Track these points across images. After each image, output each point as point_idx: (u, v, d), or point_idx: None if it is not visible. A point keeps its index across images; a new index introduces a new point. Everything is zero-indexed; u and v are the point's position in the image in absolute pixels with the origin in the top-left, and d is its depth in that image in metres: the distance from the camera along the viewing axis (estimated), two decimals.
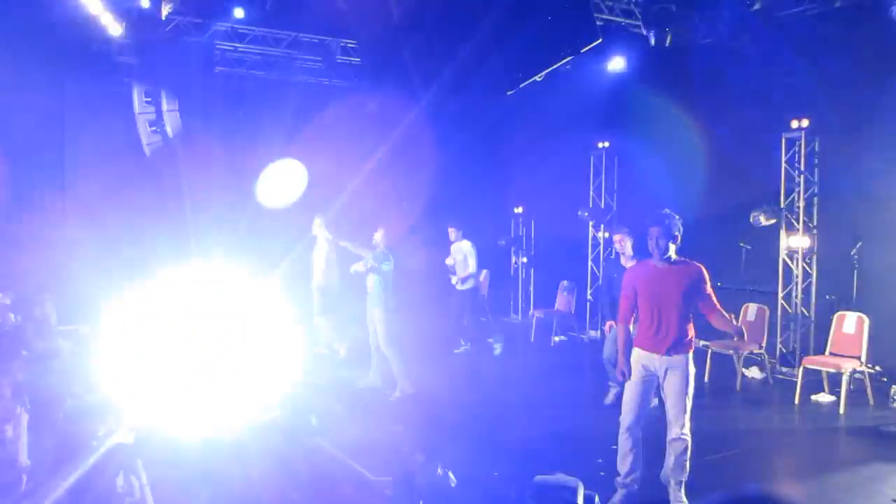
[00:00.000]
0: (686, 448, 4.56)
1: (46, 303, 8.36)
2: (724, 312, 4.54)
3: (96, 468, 3.44)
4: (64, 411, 4.47)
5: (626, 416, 4.59)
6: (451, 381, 8.07)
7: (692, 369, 4.55)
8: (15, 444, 4.31)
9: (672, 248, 4.48)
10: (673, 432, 4.52)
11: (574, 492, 4.01)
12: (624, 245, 6.54)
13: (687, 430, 4.53)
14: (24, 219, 9.86)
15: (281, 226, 9.40)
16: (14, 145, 9.75)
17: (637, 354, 4.60)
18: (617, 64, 9.16)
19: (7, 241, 9.49)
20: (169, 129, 9.09)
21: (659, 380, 4.54)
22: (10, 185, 9.70)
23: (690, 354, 4.54)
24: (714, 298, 4.54)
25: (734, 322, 4.56)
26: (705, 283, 4.48)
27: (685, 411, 4.50)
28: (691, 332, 4.56)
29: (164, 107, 9.02)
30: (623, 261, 6.52)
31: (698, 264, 4.53)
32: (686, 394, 4.49)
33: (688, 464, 4.60)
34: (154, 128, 9.08)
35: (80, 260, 9.17)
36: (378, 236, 7.43)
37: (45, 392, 5.17)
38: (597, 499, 4.25)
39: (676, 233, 4.49)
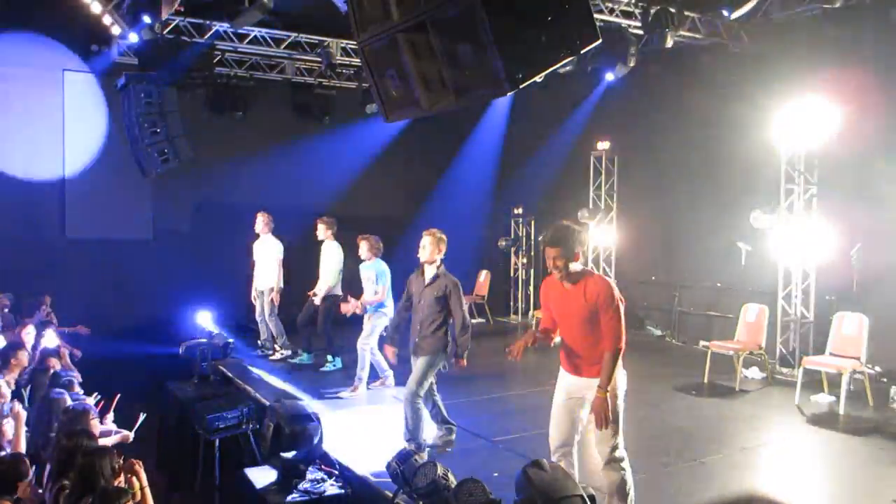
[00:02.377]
0: (623, 482, 3.97)
1: (46, 304, 8.40)
2: (617, 336, 3.88)
3: (95, 467, 3.45)
4: (64, 411, 4.48)
5: (551, 440, 4.18)
6: (449, 382, 8.06)
7: (618, 392, 3.99)
8: (14, 442, 4.32)
9: (574, 264, 3.94)
10: (599, 462, 4.04)
11: None
12: (424, 251, 5.51)
13: (620, 455, 3.99)
14: (24, 220, 9.89)
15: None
16: (14, 145, 9.77)
17: (560, 375, 4.21)
18: (617, 64, 9.13)
19: (7, 242, 9.51)
20: (180, 156, 9.02)
21: (583, 403, 4.04)
22: (10, 185, 9.71)
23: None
24: (614, 318, 3.89)
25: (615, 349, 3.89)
26: (606, 301, 3.89)
27: (611, 437, 3.95)
28: None
29: (171, 132, 8.93)
30: (426, 270, 5.53)
31: (602, 280, 3.97)
32: (611, 420, 3.93)
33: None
34: (164, 156, 9.03)
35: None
36: (364, 248, 7.22)
37: (46, 392, 5.19)
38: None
39: (577, 249, 3.95)
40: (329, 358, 8.27)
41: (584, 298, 3.91)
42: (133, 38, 8.00)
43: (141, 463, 3.76)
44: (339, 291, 8.17)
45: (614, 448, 3.96)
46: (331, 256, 8.19)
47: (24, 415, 4.44)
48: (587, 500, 3.51)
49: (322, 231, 8.27)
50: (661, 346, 10.11)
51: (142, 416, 5.19)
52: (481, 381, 8.24)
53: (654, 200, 10.78)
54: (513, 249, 12.56)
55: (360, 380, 7.19)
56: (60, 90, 10.13)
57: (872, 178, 8.06)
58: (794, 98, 7.96)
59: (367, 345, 7.17)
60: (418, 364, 5.41)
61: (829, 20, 7.70)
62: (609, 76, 9.30)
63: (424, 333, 5.42)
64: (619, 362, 4.01)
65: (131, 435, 5.08)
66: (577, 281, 3.96)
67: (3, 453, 4.20)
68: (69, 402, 4.73)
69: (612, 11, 8.69)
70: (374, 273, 7.16)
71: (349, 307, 7.25)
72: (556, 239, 3.93)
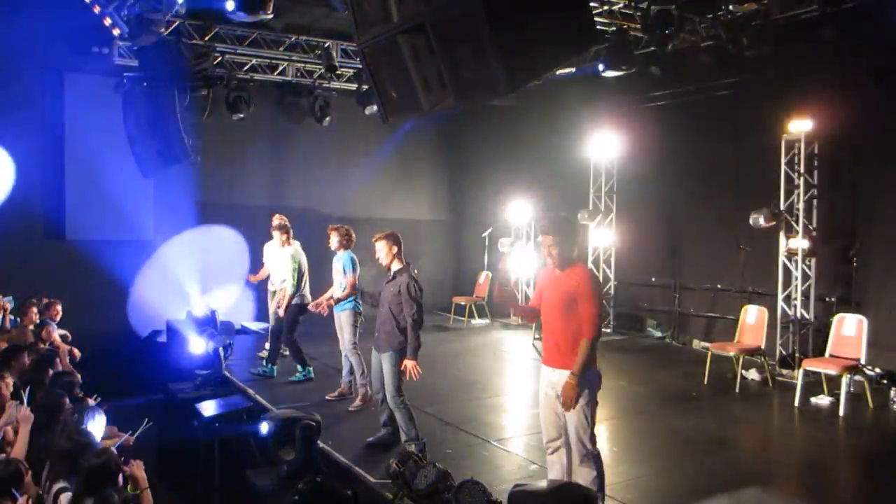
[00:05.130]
0: (597, 478, 4.04)
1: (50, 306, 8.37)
2: (594, 324, 3.97)
3: (97, 470, 3.44)
4: (65, 414, 4.47)
5: (543, 436, 4.30)
6: (450, 383, 8.07)
7: (589, 386, 4.03)
8: (16, 445, 4.31)
9: (573, 252, 4.10)
10: (575, 458, 4.09)
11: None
12: (380, 255, 5.59)
13: (594, 451, 4.07)
14: (24, 222, 9.88)
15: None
16: (14, 146, 9.77)
17: (542, 371, 4.25)
18: (617, 66, 9.13)
19: (7, 243, 9.50)
20: (180, 156, 8.98)
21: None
22: (10, 188, 9.70)
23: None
24: (593, 306, 4.00)
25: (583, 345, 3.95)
26: (587, 290, 4.01)
27: (585, 432, 4.03)
28: None
29: (171, 133, 8.88)
30: (392, 267, 5.60)
31: (588, 272, 4.14)
32: (583, 413, 3.99)
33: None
34: (164, 157, 8.99)
35: None
36: (334, 239, 6.86)
37: (46, 393, 5.18)
38: None
39: (573, 240, 4.12)
40: (299, 368, 7.87)
41: (568, 286, 4.05)
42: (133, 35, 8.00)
43: (141, 464, 3.75)
44: (306, 293, 7.80)
45: (588, 444, 4.05)
46: (288, 261, 7.79)
47: (31, 418, 4.39)
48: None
49: (280, 239, 7.89)
50: (661, 348, 10.11)
51: (145, 422, 5.17)
52: (481, 382, 8.25)
53: (653, 202, 10.78)
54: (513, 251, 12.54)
55: (364, 386, 6.81)
56: (61, 91, 10.13)
57: (872, 180, 8.08)
58: (793, 99, 7.96)
59: (355, 346, 6.81)
60: (386, 368, 5.44)
61: (829, 21, 7.70)
62: (609, 77, 9.30)
63: (385, 329, 5.46)
64: (595, 360, 4.10)
65: (132, 438, 5.07)
66: (567, 270, 4.10)
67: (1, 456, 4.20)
68: (69, 403, 4.72)
69: (611, 13, 8.69)
70: (342, 264, 6.78)
71: (321, 306, 6.76)
72: (553, 227, 4.12)
